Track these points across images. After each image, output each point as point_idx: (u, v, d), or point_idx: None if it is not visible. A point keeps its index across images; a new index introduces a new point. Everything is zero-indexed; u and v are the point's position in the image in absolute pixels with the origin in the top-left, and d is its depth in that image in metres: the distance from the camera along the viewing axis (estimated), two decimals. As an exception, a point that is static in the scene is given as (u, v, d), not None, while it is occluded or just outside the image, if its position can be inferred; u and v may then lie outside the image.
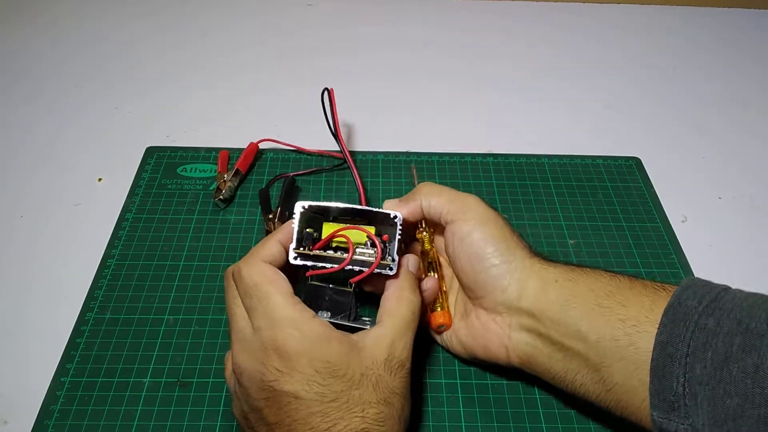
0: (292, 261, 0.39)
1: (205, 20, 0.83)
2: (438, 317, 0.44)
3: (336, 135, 0.54)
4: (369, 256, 0.39)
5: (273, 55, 0.77)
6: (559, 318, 0.39)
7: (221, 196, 0.55)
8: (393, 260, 0.39)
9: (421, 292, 0.41)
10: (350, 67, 0.75)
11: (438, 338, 0.46)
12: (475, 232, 0.41)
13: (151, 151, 0.62)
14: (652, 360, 0.34)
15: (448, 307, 0.45)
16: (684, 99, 0.74)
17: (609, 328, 0.37)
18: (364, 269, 0.39)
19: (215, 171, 0.59)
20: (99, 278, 0.50)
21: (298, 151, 0.61)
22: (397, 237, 0.40)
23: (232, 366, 0.37)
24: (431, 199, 0.43)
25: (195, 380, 0.44)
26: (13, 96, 0.69)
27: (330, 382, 0.34)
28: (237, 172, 0.58)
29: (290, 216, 0.41)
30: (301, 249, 0.39)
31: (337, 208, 0.40)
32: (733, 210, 0.60)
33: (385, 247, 0.40)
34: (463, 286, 0.43)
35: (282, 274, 0.37)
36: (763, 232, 0.58)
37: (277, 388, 0.34)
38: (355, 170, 0.54)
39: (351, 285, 0.39)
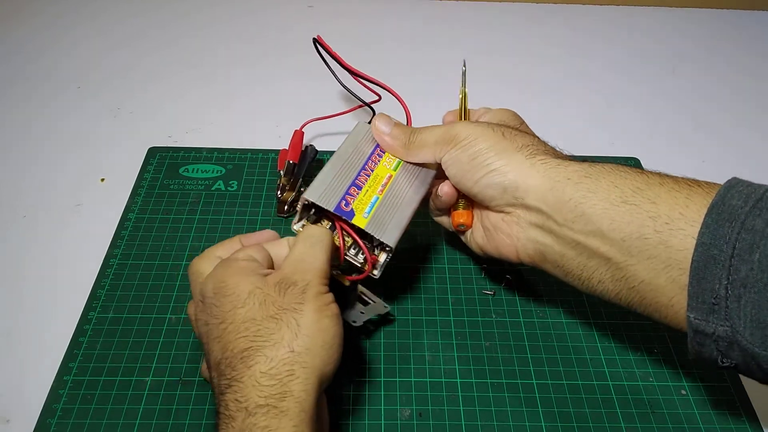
0: (295, 229, 0.42)
1: (208, 22, 0.83)
2: (458, 216, 0.45)
3: (354, 73, 0.51)
4: (359, 261, 0.42)
5: (275, 56, 0.77)
6: (575, 216, 0.37)
7: (278, 193, 0.56)
8: (377, 270, 0.42)
9: (437, 195, 0.44)
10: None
11: (462, 237, 0.47)
12: (462, 153, 0.41)
13: (153, 152, 0.62)
14: (692, 261, 0.33)
15: (469, 207, 0.46)
16: (683, 100, 0.74)
17: (636, 226, 0.35)
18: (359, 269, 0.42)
19: (217, 172, 0.60)
20: (102, 278, 0.50)
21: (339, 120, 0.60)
22: (385, 259, 0.42)
23: None
24: (420, 153, 0.44)
25: (197, 379, 0.44)
26: (15, 96, 0.69)
27: (222, 302, 0.35)
28: (289, 165, 0.57)
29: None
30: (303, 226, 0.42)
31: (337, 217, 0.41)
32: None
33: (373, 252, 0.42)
34: (471, 199, 0.44)
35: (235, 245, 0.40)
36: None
37: (198, 324, 0.37)
38: (394, 92, 0.50)
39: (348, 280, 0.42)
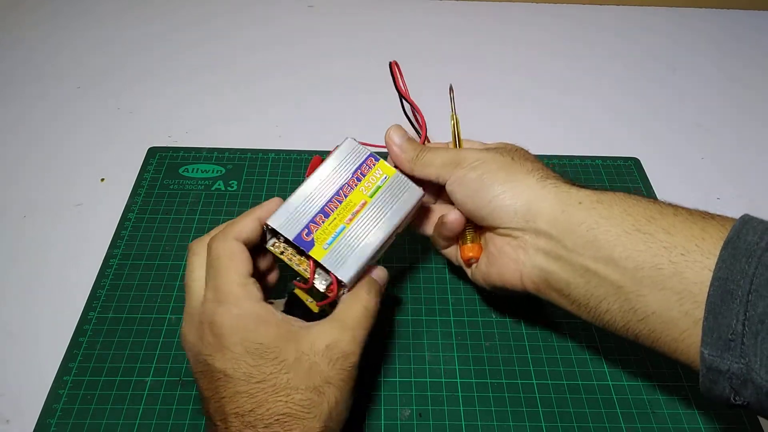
0: (267, 246, 0.40)
1: (207, 22, 0.83)
2: (467, 250, 0.44)
3: (412, 106, 0.48)
4: (322, 288, 0.40)
5: (274, 56, 0.77)
6: (586, 242, 0.37)
7: None
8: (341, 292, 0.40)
9: (443, 224, 0.43)
10: (351, 67, 0.76)
11: (467, 272, 0.46)
12: (470, 174, 0.41)
13: (153, 152, 0.62)
14: (708, 296, 0.32)
15: (478, 240, 0.45)
16: (683, 99, 0.74)
17: (650, 256, 0.35)
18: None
19: (217, 171, 0.60)
20: (101, 278, 0.50)
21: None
22: (341, 293, 0.40)
23: (179, 335, 0.38)
24: (425, 171, 0.43)
25: (197, 379, 0.44)
26: (15, 96, 0.69)
27: (260, 363, 0.34)
28: None
29: None
30: (274, 243, 0.40)
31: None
32: (733, 210, 0.60)
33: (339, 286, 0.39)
34: (477, 223, 0.43)
35: (246, 253, 0.37)
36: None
37: (210, 363, 0.34)
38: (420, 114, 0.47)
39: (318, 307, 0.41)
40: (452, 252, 0.47)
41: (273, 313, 0.36)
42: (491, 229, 0.42)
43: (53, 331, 0.47)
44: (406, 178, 0.43)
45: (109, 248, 0.53)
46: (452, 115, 0.49)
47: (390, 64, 0.49)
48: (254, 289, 0.36)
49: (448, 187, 0.42)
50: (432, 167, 0.43)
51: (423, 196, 0.43)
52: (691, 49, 0.82)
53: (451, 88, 0.50)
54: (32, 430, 0.41)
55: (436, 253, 0.54)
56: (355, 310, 0.37)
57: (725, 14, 0.89)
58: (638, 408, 0.44)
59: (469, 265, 0.45)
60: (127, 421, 0.42)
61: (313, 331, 0.36)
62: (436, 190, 0.47)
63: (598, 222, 0.37)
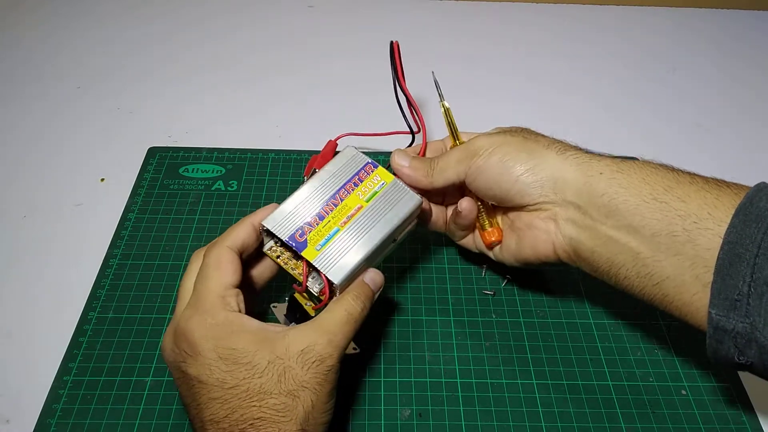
0: (264, 250, 0.41)
1: (207, 22, 0.83)
2: (489, 235, 0.46)
3: (406, 96, 0.48)
4: (315, 291, 0.40)
5: (274, 56, 0.77)
6: (609, 211, 0.38)
7: None
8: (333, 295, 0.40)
9: (458, 213, 0.44)
10: (351, 68, 0.76)
11: (490, 254, 0.47)
12: (489, 159, 0.41)
13: (153, 152, 0.62)
14: (718, 259, 0.34)
15: (497, 223, 0.46)
16: (683, 99, 0.74)
17: (665, 224, 0.36)
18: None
19: (217, 171, 0.60)
20: (101, 278, 0.50)
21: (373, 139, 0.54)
22: (333, 296, 0.40)
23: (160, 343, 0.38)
24: (443, 176, 0.44)
25: (197, 379, 0.44)
26: (15, 96, 0.69)
27: (233, 369, 0.34)
28: (314, 173, 0.57)
29: None
30: (271, 247, 0.41)
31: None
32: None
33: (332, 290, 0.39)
34: (506, 208, 0.44)
35: (235, 261, 0.37)
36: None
37: (184, 370, 0.35)
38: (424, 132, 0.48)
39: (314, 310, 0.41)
40: (469, 241, 0.48)
41: (248, 322, 0.36)
42: (519, 208, 0.42)
43: (53, 331, 0.47)
44: (404, 185, 0.43)
45: (109, 248, 0.53)
46: (441, 103, 0.48)
47: (391, 43, 0.47)
48: (233, 300, 0.36)
49: (468, 179, 0.43)
50: (449, 169, 0.43)
51: (421, 203, 0.43)
52: (691, 49, 0.82)
53: (433, 74, 0.49)
54: (32, 430, 0.41)
55: (437, 252, 0.54)
56: (337, 315, 0.37)
57: (725, 14, 0.89)
58: (638, 408, 0.44)
59: (491, 248, 0.46)
60: (127, 421, 0.42)
61: (289, 336, 0.35)
62: (443, 193, 0.47)
63: (618, 192, 0.38)
